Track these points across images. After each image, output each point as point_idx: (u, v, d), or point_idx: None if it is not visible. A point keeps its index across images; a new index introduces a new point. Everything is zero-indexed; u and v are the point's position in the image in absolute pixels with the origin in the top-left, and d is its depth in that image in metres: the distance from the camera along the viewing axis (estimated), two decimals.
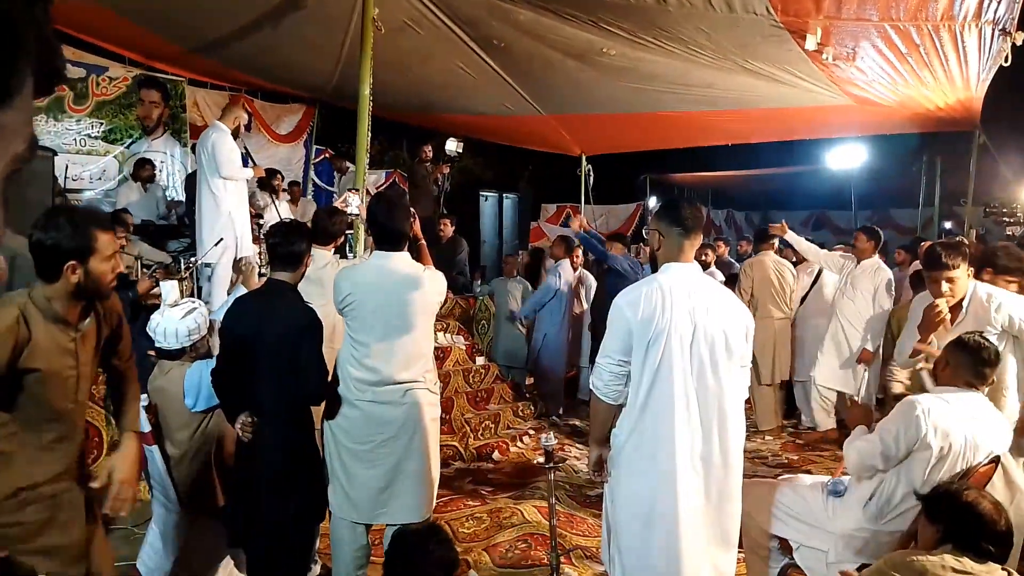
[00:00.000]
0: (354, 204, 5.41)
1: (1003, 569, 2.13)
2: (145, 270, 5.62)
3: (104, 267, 2.19)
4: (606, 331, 2.67)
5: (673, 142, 9.61)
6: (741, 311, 2.70)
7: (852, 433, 3.23)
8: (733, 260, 8.58)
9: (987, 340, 2.98)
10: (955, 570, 2.10)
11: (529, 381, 7.86)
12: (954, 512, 2.24)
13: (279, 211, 6.92)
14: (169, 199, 8.08)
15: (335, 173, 10.15)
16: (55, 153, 5.32)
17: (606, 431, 2.76)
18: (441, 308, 7.18)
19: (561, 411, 7.34)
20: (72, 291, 2.16)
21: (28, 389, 2.12)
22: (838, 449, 5.47)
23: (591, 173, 9.95)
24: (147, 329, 3.36)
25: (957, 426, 2.73)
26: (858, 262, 6.20)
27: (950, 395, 2.87)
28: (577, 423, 6.99)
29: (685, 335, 2.54)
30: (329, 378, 3.15)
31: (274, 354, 2.98)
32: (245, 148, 6.69)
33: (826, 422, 6.40)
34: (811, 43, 4.89)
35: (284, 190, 8.10)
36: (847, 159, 9.94)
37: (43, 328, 2.14)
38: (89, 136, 8.01)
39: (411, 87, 7.89)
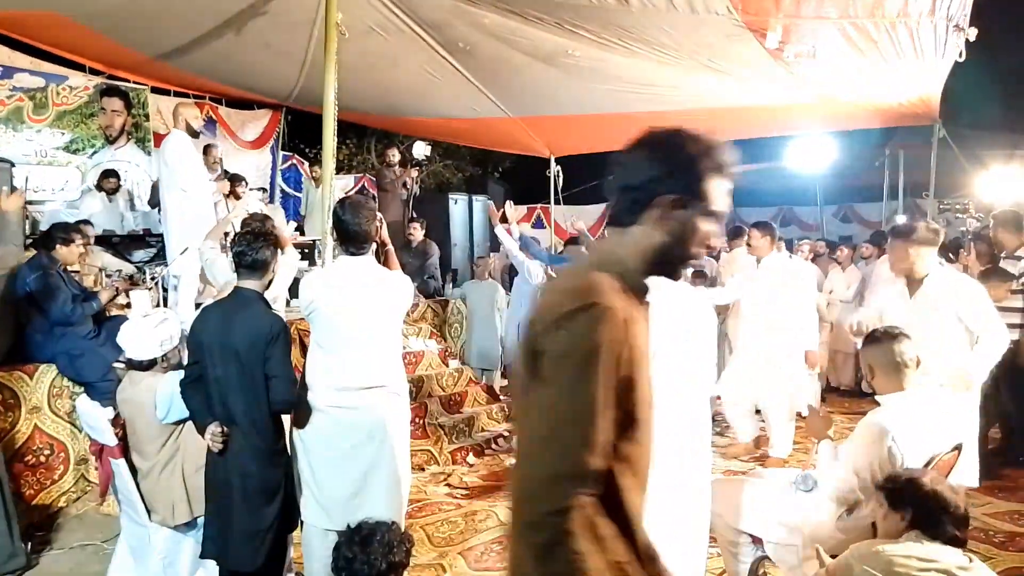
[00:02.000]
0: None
1: (964, 554, 2.17)
2: (108, 279, 5.55)
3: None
4: None
5: None
6: (705, 308, 2.72)
7: (818, 449, 3.15)
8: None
9: (889, 327, 3.00)
10: (919, 558, 2.12)
11: (503, 383, 7.85)
12: (919, 499, 2.27)
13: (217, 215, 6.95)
14: (134, 210, 7.98)
15: (302, 181, 10.07)
16: (13, 164, 5.22)
17: None
18: (413, 312, 7.21)
19: None
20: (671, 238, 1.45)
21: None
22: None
23: (560, 174, 9.96)
24: (117, 339, 3.32)
25: (928, 437, 2.76)
26: (759, 260, 5.73)
27: (901, 403, 2.85)
28: None
29: None
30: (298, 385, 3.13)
31: (242, 363, 2.96)
32: (221, 159, 6.68)
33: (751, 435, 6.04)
34: (772, 41, 4.96)
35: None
36: (812, 155, 10.03)
37: (625, 303, 1.38)
38: (50, 147, 7.86)
39: (377, 91, 7.85)
